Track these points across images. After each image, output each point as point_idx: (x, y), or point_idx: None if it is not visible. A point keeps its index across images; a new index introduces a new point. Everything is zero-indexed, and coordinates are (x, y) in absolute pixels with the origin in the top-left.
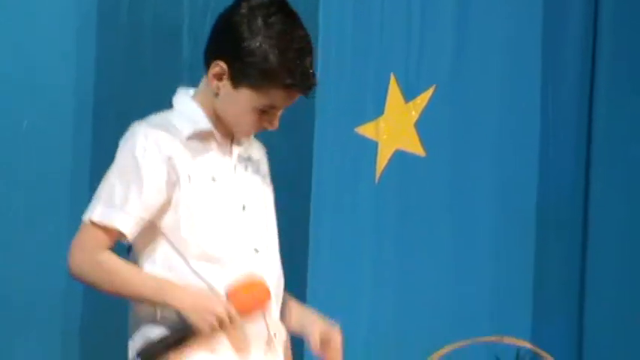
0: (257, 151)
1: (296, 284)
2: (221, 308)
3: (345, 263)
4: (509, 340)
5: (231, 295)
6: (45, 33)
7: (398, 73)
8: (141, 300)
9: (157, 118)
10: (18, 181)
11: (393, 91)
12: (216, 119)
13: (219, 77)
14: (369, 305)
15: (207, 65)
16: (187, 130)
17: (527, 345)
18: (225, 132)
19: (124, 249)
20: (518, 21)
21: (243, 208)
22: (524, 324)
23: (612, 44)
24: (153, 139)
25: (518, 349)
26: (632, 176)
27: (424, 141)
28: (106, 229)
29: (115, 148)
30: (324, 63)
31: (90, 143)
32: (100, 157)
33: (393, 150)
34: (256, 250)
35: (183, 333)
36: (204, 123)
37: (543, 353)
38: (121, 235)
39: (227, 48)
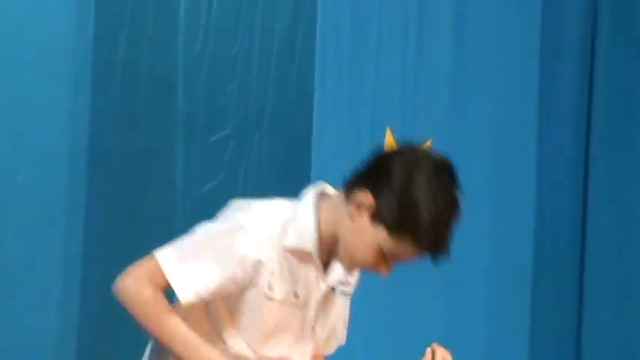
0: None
1: None
2: None
3: None
4: None
5: None
6: (40, 85)
7: (394, 126)
8: (167, 345)
9: (277, 210)
10: (12, 230)
11: (390, 145)
12: (328, 242)
13: (360, 206)
14: (363, 339)
15: (350, 188)
16: (290, 243)
17: None
18: (329, 254)
19: None
20: (514, 73)
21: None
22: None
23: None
24: (257, 236)
25: None
26: (630, 224)
27: None
28: (167, 281)
29: (109, 199)
30: (320, 115)
31: (84, 194)
32: (94, 208)
33: None
34: None
35: None
36: (310, 245)
37: None
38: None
39: (382, 185)
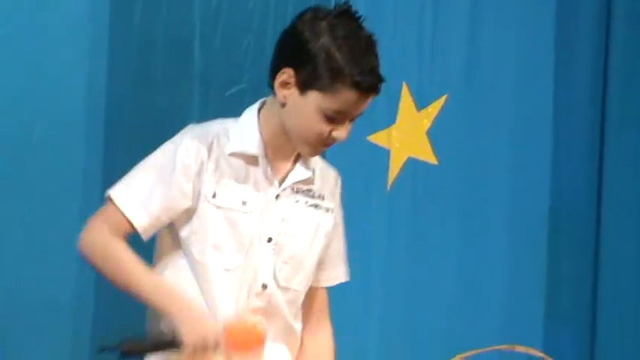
0: (325, 185)
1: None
2: (211, 334)
3: (357, 272)
4: (521, 349)
5: (226, 330)
6: (57, 44)
7: (410, 81)
8: (139, 297)
9: (215, 124)
10: (29, 189)
11: (405, 100)
12: (275, 142)
13: (285, 85)
14: (380, 314)
15: (273, 80)
16: (232, 147)
17: (539, 354)
18: (283, 156)
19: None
20: (531, 30)
21: (269, 240)
22: (536, 332)
23: (624, 61)
24: (196, 144)
25: (530, 358)
26: None
27: (436, 149)
28: (124, 216)
29: (126, 159)
30: None
31: (101, 154)
32: (112, 167)
33: (405, 158)
34: (264, 286)
35: (167, 339)
36: (253, 147)
37: None
38: (134, 229)
39: (292, 54)
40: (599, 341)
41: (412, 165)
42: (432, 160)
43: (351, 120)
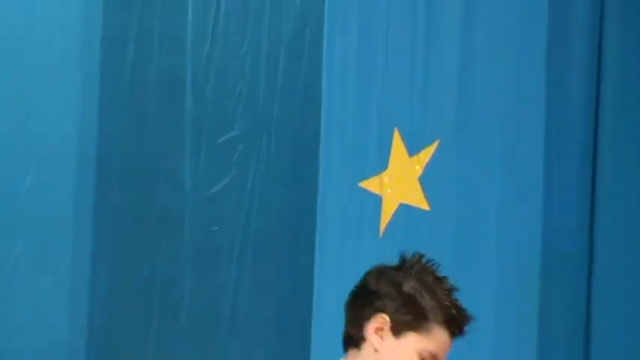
0: None
1: (300, 337)
2: None
3: None
4: None
5: None
6: (48, 88)
7: (402, 127)
8: None
9: None
10: (20, 235)
11: (397, 145)
12: None
13: (379, 331)
14: None
15: (355, 334)
16: None
17: None
18: None
19: None
20: (522, 78)
21: None
22: None
23: (616, 101)
24: None
25: None
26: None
27: (429, 195)
28: None
29: (117, 201)
30: (328, 116)
31: (92, 196)
32: (103, 212)
33: (397, 204)
34: None
35: None
36: None
37: None
38: None
39: (384, 301)
40: None
41: (405, 211)
42: (425, 206)
43: None
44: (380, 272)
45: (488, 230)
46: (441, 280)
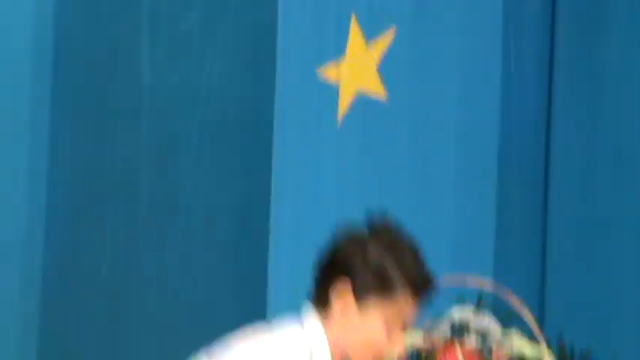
0: None
1: (258, 225)
2: None
3: (308, 207)
4: (472, 282)
5: None
6: None
7: (360, 12)
8: None
9: (294, 344)
10: None
11: (354, 32)
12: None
13: (344, 296)
14: None
15: (321, 298)
16: None
17: (490, 286)
18: None
19: None
20: None
21: None
22: (487, 265)
23: None
24: None
25: (481, 291)
26: (593, 122)
27: (386, 83)
28: None
29: (75, 93)
30: (285, 2)
31: (49, 89)
32: (60, 101)
33: (354, 92)
34: None
35: None
36: None
37: (506, 293)
38: None
39: (348, 266)
40: (550, 273)
41: (362, 100)
42: (382, 94)
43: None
44: (347, 237)
45: (446, 120)
46: (408, 246)
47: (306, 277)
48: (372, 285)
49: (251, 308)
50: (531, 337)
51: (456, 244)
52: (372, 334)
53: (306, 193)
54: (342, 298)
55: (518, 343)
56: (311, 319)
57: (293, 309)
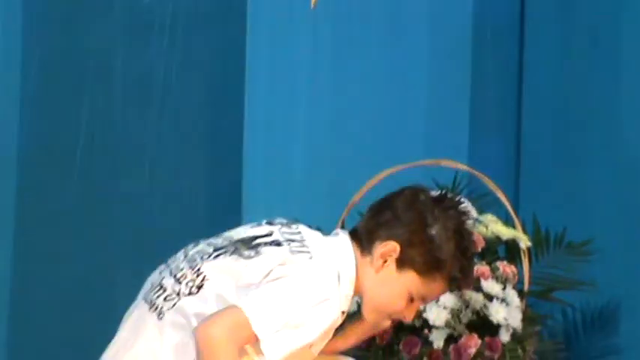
0: None
1: (232, 106)
2: None
3: (282, 89)
4: (447, 163)
5: None
6: None
7: None
8: None
9: (336, 262)
10: None
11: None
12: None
13: (386, 256)
14: (304, 131)
15: (367, 241)
16: (345, 291)
17: (465, 167)
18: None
19: None
20: None
21: None
22: (461, 146)
23: None
24: (337, 306)
25: (456, 172)
26: None
27: None
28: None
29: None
30: None
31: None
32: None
33: None
34: None
35: None
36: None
37: (480, 175)
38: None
39: (405, 231)
40: (524, 152)
41: None
42: None
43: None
44: (415, 199)
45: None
46: (468, 235)
47: (279, 165)
48: (421, 262)
49: (226, 187)
50: (506, 222)
51: (431, 125)
52: (393, 298)
53: (280, 75)
54: (385, 258)
55: (494, 225)
56: (348, 248)
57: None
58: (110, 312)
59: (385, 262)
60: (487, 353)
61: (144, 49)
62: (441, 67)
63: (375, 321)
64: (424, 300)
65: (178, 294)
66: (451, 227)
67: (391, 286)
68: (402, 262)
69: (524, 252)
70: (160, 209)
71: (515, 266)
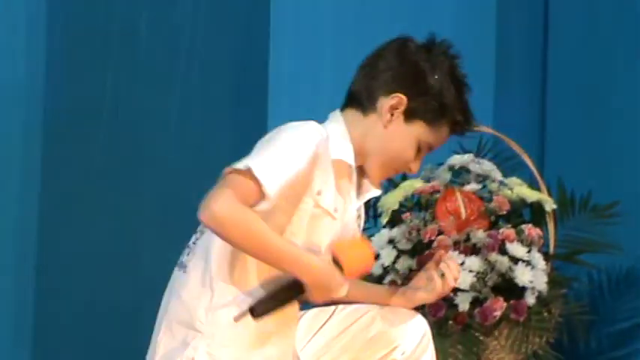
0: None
1: (257, 72)
2: (337, 292)
3: (307, 50)
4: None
5: (340, 254)
6: None
7: None
8: (275, 264)
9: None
10: None
11: None
12: (357, 160)
13: (394, 109)
14: (329, 91)
15: (369, 98)
16: (336, 153)
17: (490, 130)
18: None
19: None
20: None
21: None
22: (487, 109)
23: None
24: (319, 136)
25: (481, 135)
26: None
27: None
28: (256, 185)
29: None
30: None
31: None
32: None
33: None
34: None
35: (293, 293)
36: (351, 158)
37: (505, 138)
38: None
39: (407, 83)
40: (549, 116)
41: None
42: None
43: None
44: (405, 50)
45: None
46: (462, 77)
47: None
48: (428, 111)
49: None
50: (531, 185)
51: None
52: (404, 150)
53: (305, 36)
54: (392, 111)
55: (519, 188)
56: (335, 112)
57: None
58: (136, 276)
59: (392, 115)
60: (512, 316)
61: (169, 12)
62: (465, 30)
63: (380, 178)
64: (430, 149)
65: (195, 242)
66: (447, 72)
67: (401, 138)
68: (409, 113)
69: (549, 215)
70: (186, 173)
71: (541, 229)
